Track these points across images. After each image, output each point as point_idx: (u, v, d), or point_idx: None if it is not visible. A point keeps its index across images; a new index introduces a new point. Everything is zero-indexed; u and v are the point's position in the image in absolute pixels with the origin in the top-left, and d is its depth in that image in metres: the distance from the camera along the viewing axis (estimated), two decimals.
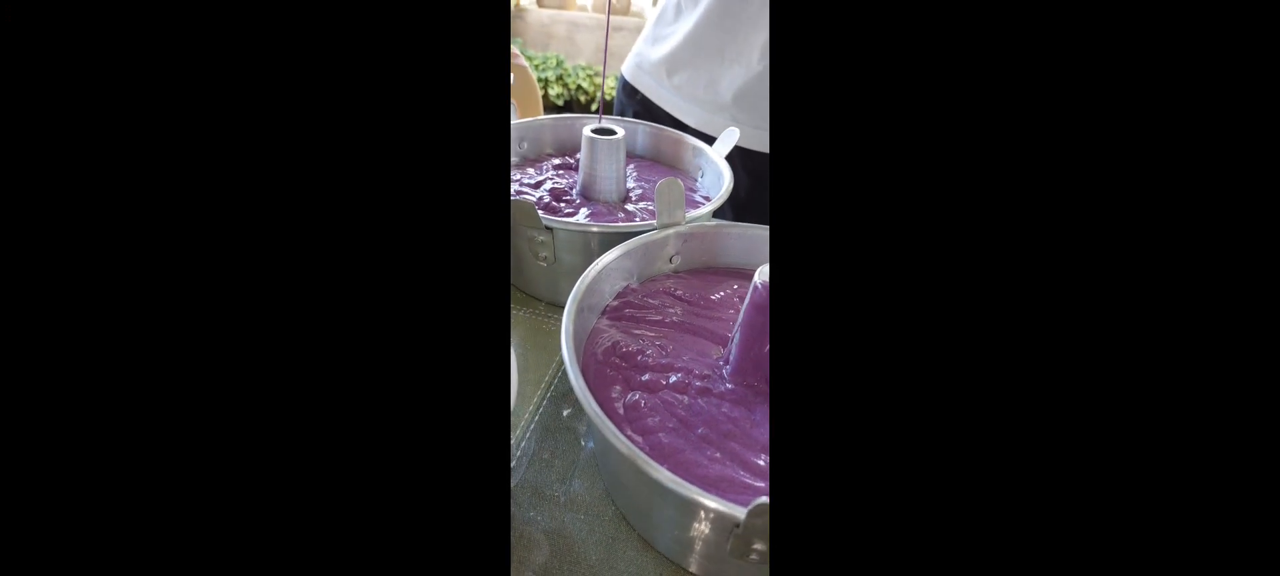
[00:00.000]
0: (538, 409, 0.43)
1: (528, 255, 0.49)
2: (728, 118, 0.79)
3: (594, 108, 2.79)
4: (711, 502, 0.25)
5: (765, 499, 0.23)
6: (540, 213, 0.46)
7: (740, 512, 0.24)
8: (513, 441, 0.41)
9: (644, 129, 0.67)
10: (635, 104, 0.87)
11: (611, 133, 0.54)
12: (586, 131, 0.54)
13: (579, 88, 2.76)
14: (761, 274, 0.35)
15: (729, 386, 0.36)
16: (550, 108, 2.74)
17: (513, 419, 0.43)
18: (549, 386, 0.45)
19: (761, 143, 0.79)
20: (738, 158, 0.80)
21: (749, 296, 0.35)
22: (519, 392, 0.44)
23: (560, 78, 2.76)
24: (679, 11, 0.81)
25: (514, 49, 1.56)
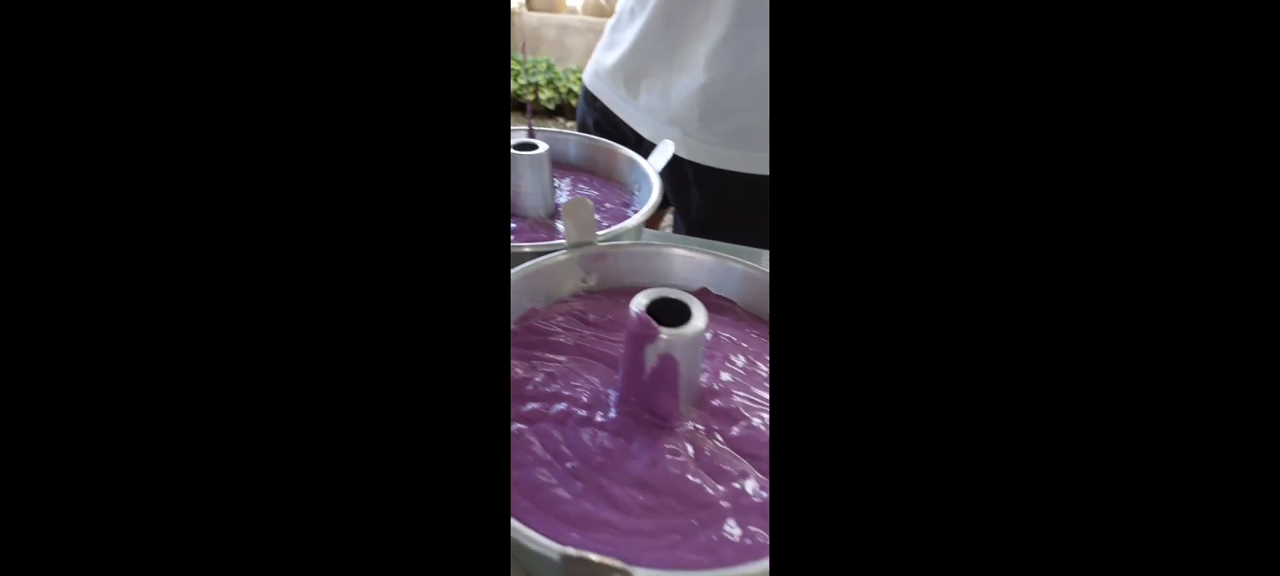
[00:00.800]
0: None
1: None
2: (679, 130, 0.77)
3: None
4: (533, 543, 0.25)
5: (572, 549, 0.22)
6: None
7: (556, 552, 0.23)
8: None
9: (577, 139, 0.67)
10: (596, 112, 0.85)
11: (534, 147, 0.54)
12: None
13: (570, 91, 2.76)
14: (637, 303, 0.34)
15: (613, 415, 0.35)
16: (541, 112, 2.73)
17: None
18: None
19: (714, 158, 0.74)
20: (691, 174, 0.77)
21: (627, 326, 0.34)
22: None
23: (551, 82, 2.76)
24: (631, 16, 0.78)
25: None
